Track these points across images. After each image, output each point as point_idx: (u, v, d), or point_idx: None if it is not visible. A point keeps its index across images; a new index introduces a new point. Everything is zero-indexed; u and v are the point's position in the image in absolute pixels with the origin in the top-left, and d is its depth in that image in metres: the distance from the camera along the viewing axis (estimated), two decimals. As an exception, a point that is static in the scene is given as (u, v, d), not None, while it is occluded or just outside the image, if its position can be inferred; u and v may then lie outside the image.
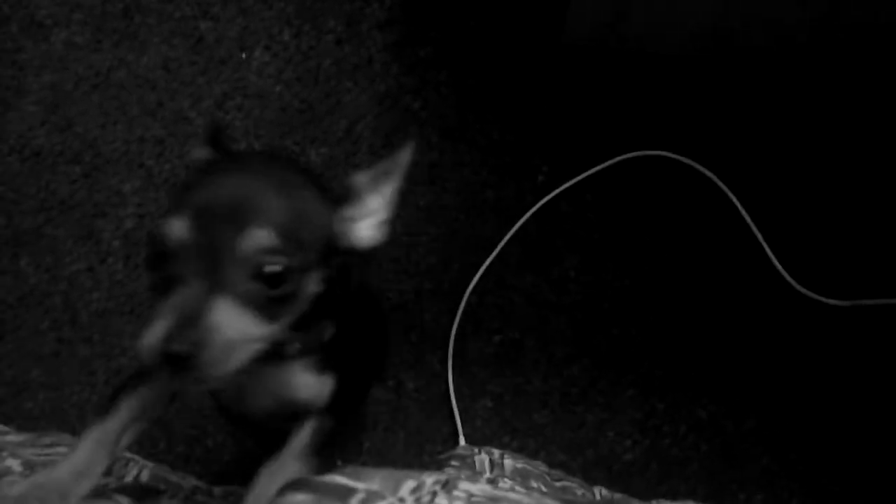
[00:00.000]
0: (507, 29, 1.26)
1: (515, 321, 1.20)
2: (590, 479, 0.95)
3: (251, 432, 0.70)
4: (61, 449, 0.78)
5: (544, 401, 1.17)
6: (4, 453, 0.68)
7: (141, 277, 1.17)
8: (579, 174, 1.21)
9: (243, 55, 1.24)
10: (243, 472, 0.59)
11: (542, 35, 1.24)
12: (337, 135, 1.24)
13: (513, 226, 1.20)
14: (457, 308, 1.18)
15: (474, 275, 1.19)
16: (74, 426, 1.15)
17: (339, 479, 0.55)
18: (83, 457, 0.53)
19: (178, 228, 0.45)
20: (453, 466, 0.89)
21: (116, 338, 1.15)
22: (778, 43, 1.20)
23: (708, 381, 1.17)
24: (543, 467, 0.94)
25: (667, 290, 1.20)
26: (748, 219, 1.21)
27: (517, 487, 0.77)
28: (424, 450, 1.18)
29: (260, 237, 0.45)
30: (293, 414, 0.61)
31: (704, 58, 1.24)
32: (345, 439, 1.09)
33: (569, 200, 1.21)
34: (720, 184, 1.22)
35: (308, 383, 0.58)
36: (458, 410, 1.16)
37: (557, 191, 1.19)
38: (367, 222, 0.55)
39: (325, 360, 0.58)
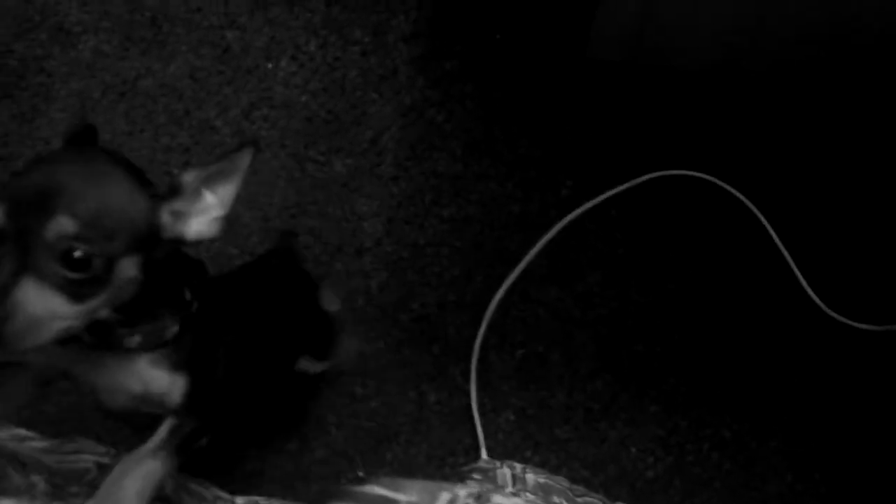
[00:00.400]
0: (532, 43, 1.30)
1: (539, 335, 1.22)
2: (612, 496, 0.98)
3: (125, 421, 0.74)
4: (85, 456, 0.81)
5: (567, 416, 1.20)
6: (29, 468, 0.71)
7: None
8: (605, 191, 1.24)
9: (270, 65, 1.28)
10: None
11: (567, 49, 1.28)
12: (362, 145, 1.27)
13: (538, 240, 1.23)
14: (480, 321, 1.21)
15: (498, 288, 1.21)
16: (98, 432, 1.18)
17: (378, 489, 0.58)
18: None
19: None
20: (475, 480, 0.91)
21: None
22: (808, 57, 1.23)
23: (732, 400, 1.19)
24: (565, 483, 0.96)
25: (692, 309, 1.23)
26: (777, 240, 1.23)
27: (539, 503, 0.79)
28: (446, 462, 1.21)
29: (64, 224, 0.51)
30: (153, 412, 0.65)
31: (730, 73, 1.27)
32: (224, 439, 1.08)
33: (593, 216, 1.24)
34: (749, 204, 1.24)
35: (156, 379, 0.62)
36: (481, 424, 1.18)
37: (583, 209, 1.22)
38: (199, 218, 0.59)
39: (176, 358, 0.62)
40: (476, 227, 1.25)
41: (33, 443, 0.87)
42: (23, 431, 0.89)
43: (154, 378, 0.61)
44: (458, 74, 1.28)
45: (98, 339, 0.59)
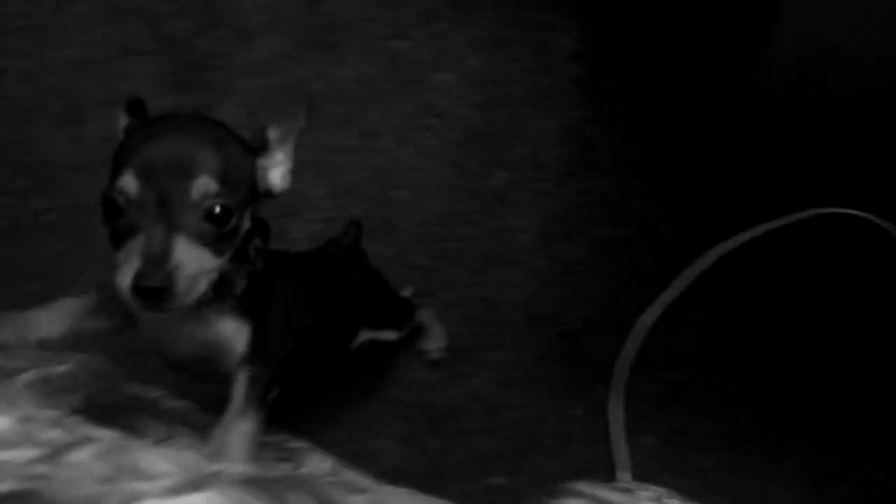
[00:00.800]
0: (696, 68, 1.36)
1: (685, 361, 1.28)
2: (751, 530, 1.02)
3: (194, 377, 0.78)
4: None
5: (708, 444, 1.24)
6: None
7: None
8: (760, 223, 1.29)
9: (435, 76, 1.38)
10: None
11: (733, 77, 1.34)
12: (520, 160, 1.35)
13: (690, 266, 1.29)
14: (627, 342, 1.27)
15: (647, 311, 1.27)
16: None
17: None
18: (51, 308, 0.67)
19: (131, 185, 0.57)
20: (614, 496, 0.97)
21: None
22: None
23: (885, 444, 1.22)
24: (704, 511, 1.01)
25: (844, 350, 1.25)
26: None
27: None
28: (582, 479, 1.27)
29: (207, 184, 0.57)
30: (219, 364, 0.69)
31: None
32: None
33: (749, 247, 1.29)
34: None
35: (222, 327, 0.67)
36: (621, 444, 1.24)
37: (739, 239, 1.27)
38: (277, 170, 0.67)
39: (241, 308, 0.68)
40: (628, 247, 1.31)
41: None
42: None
43: (220, 327, 0.67)
44: (619, 95, 1.35)
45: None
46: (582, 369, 1.26)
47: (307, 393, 1.22)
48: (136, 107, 0.66)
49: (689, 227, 1.31)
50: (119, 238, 0.58)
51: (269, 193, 0.67)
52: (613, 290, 1.29)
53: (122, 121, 0.65)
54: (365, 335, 1.08)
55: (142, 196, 0.57)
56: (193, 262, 0.57)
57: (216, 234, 0.58)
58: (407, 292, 1.26)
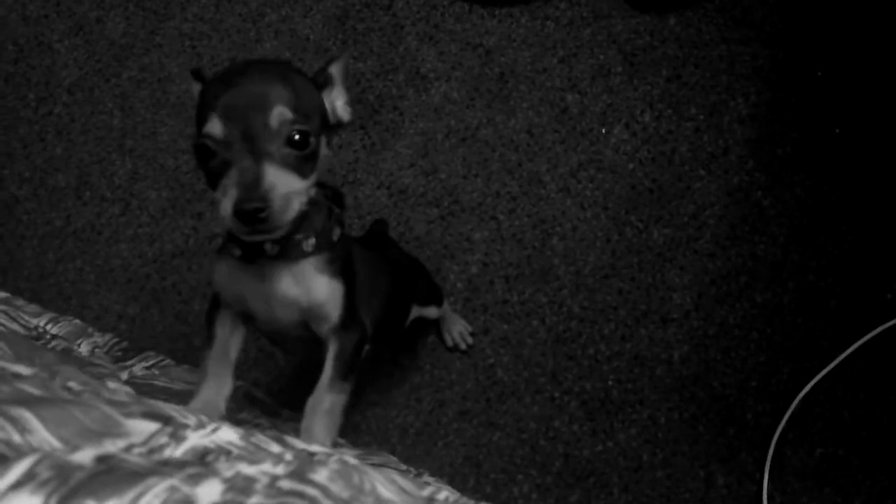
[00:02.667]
0: (872, 140, 1.60)
1: (841, 438, 1.49)
2: None
3: (287, 347, 1.00)
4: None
5: (860, 528, 1.45)
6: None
7: (475, 321, 1.62)
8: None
9: (603, 130, 1.67)
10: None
11: (913, 152, 1.56)
12: (682, 218, 1.62)
13: (853, 342, 1.51)
14: (781, 412, 1.50)
15: (806, 382, 1.50)
16: (395, 446, 1.61)
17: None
18: (214, 375, 0.86)
19: (217, 128, 0.72)
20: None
21: (446, 371, 1.59)
22: None
23: None
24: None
25: None
26: None
27: None
28: (724, 548, 1.51)
29: (283, 113, 0.72)
30: (314, 328, 0.86)
31: None
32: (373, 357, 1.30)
33: (918, 325, 1.50)
34: None
35: (319, 285, 0.83)
36: (767, 517, 1.47)
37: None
38: (339, 102, 0.83)
39: (335, 265, 0.85)
40: (789, 317, 1.55)
41: (344, 449, 1.27)
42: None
43: (318, 284, 0.83)
44: (791, 161, 1.60)
45: (282, 246, 0.80)
46: (730, 436, 1.51)
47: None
48: (200, 74, 0.84)
49: (854, 302, 1.54)
50: (214, 178, 0.73)
51: (338, 124, 0.83)
52: (771, 358, 1.53)
53: (195, 87, 0.82)
54: (415, 312, 1.32)
55: (228, 135, 0.71)
56: (283, 183, 0.72)
57: (298, 157, 0.74)
58: None
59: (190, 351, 1.55)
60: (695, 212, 1.54)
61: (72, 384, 0.78)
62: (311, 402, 0.85)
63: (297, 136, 0.74)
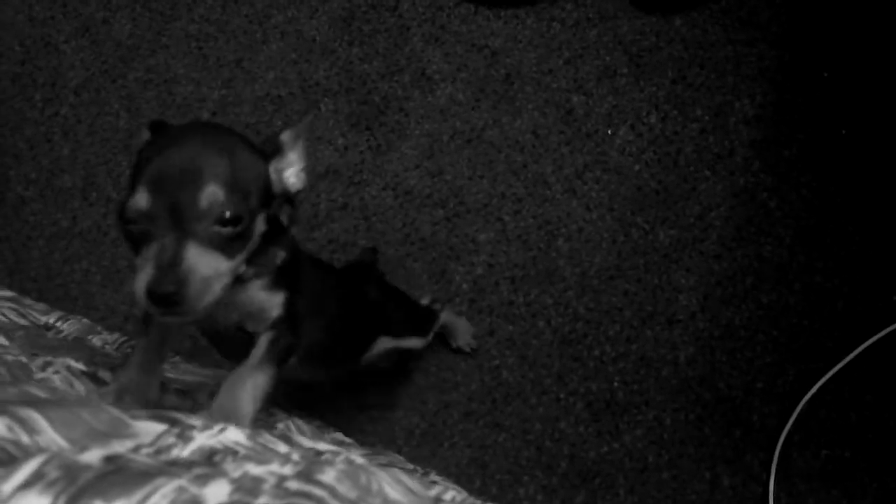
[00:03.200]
0: (879, 142, 1.60)
1: (848, 440, 1.49)
2: None
3: (223, 345, 0.97)
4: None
5: (866, 530, 1.45)
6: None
7: (481, 322, 1.62)
8: (941, 303, 1.50)
9: (609, 132, 1.67)
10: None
11: (920, 153, 1.56)
12: (688, 220, 1.62)
13: (860, 343, 1.50)
14: (787, 413, 1.50)
15: (812, 384, 1.50)
16: (400, 448, 1.61)
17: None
18: (143, 359, 0.84)
19: (143, 200, 0.67)
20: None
21: (451, 372, 1.59)
22: None
23: None
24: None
25: None
26: None
27: None
28: (727, 550, 1.50)
29: (215, 193, 0.68)
30: (251, 328, 0.85)
31: None
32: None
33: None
34: None
35: (262, 296, 0.81)
36: (772, 519, 1.46)
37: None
38: (291, 171, 0.79)
39: (277, 280, 0.83)
40: (795, 318, 1.54)
41: (354, 451, 1.28)
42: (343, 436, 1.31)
43: (259, 298, 0.82)
44: (797, 163, 1.60)
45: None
46: (736, 438, 1.51)
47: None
48: (159, 127, 0.80)
49: (860, 304, 1.53)
50: (136, 246, 0.69)
51: (286, 194, 0.80)
52: (777, 360, 1.53)
53: (145, 135, 0.78)
54: (388, 343, 1.31)
55: (153, 208, 0.67)
56: (205, 265, 0.68)
57: (226, 237, 0.69)
58: (426, 300, 1.51)
59: (197, 350, 1.55)
60: (700, 213, 1.54)
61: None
62: (231, 378, 0.80)
63: (227, 217, 0.70)
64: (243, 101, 1.72)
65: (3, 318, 1.23)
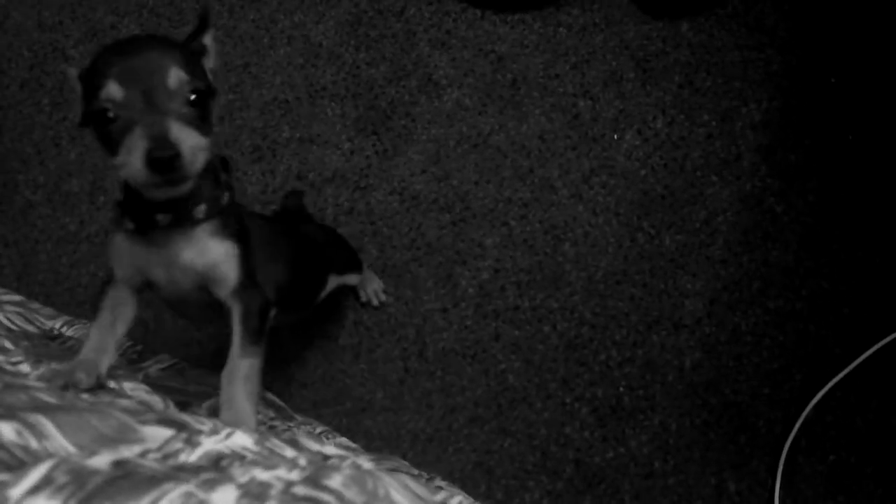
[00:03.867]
0: (886, 147, 1.60)
1: (854, 445, 1.48)
2: None
3: (189, 313, 1.01)
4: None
5: (873, 535, 1.44)
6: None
7: (486, 327, 1.62)
8: (948, 308, 1.49)
9: (615, 136, 1.68)
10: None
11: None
12: (694, 224, 1.62)
13: (867, 348, 1.50)
14: (793, 419, 1.50)
15: (818, 389, 1.49)
16: (406, 452, 1.62)
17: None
18: (96, 340, 0.87)
19: (116, 91, 0.74)
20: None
21: (457, 377, 1.59)
22: None
23: None
24: None
25: None
26: None
27: None
28: (735, 556, 1.50)
29: (179, 74, 0.75)
30: (215, 292, 0.88)
31: None
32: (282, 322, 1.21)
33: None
34: None
35: (214, 248, 0.85)
36: (779, 524, 1.46)
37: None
38: (211, 68, 0.86)
39: (228, 228, 0.87)
40: (802, 323, 1.54)
41: (362, 457, 1.29)
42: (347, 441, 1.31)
43: (211, 246, 0.86)
44: (804, 168, 1.60)
45: (173, 216, 0.84)
46: (742, 443, 1.51)
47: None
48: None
49: (867, 309, 1.53)
50: (114, 142, 0.75)
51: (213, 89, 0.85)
52: (784, 365, 1.53)
53: (71, 73, 0.83)
54: (335, 281, 1.36)
55: (127, 97, 0.74)
56: (188, 136, 0.75)
57: (196, 115, 0.77)
58: None
59: (204, 356, 1.55)
60: (707, 218, 1.54)
61: (85, 395, 0.78)
62: (225, 372, 0.86)
63: (193, 97, 0.77)
64: (250, 105, 1.73)
65: (11, 326, 1.23)
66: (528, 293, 1.56)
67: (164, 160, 0.73)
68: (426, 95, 1.68)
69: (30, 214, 1.67)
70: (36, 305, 1.46)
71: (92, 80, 0.78)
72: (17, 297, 1.43)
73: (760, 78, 1.61)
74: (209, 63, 0.87)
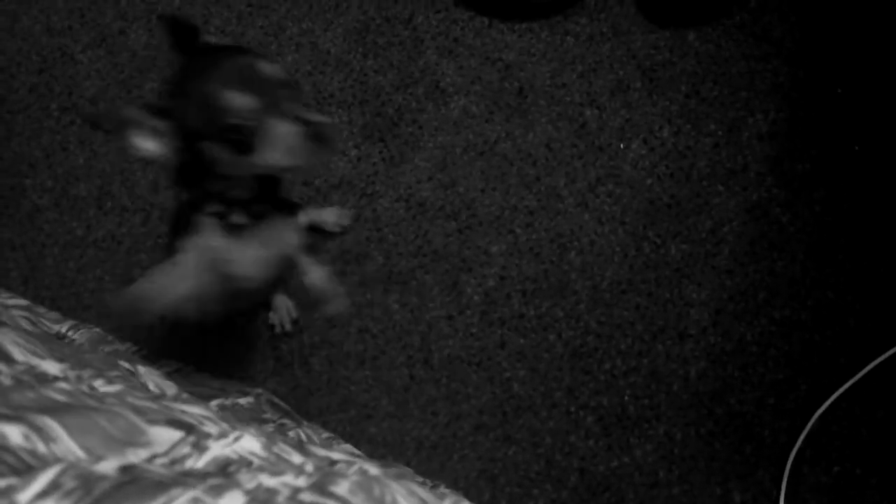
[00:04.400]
0: (892, 158, 1.59)
1: (859, 456, 1.48)
2: None
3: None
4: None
5: (878, 547, 1.44)
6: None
7: (492, 335, 1.62)
8: (954, 320, 1.49)
9: (622, 145, 1.67)
10: None
11: (934, 170, 1.56)
12: (700, 234, 1.62)
13: (872, 359, 1.50)
14: (798, 429, 1.49)
15: (823, 399, 1.49)
16: (410, 459, 1.61)
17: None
18: (189, 262, 0.99)
19: (243, 99, 0.85)
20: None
21: (462, 384, 1.59)
22: None
23: None
24: None
25: None
26: None
27: None
28: (738, 567, 1.49)
29: (291, 95, 0.88)
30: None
31: None
32: None
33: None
34: None
35: (292, 236, 1.07)
36: (783, 535, 1.46)
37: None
38: None
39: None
40: (807, 334, 1.54)
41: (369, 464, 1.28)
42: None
43: (292, 236, 1.07)
44: (810, 178, 1.59)
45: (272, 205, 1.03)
46: (747, 453, 1.50)
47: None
48: (185, 43, 0.99)
49: (873, 320, 1.53)
50: (245, 146, 0.87)
51: None
52: (789, 375, 1.52)
53: (142, 112, 0.93)
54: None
55: (257, 102, 0.85)
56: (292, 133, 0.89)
57: (304, 121, 0.88)
58: None
59: (208, 360, 1.55)
60: (713, 227, 1.54)
61: (98, 383, 0.78)
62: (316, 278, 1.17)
63: (304, 117, 0.90)
64: (258, 111, 1.72)
65: (28, 327, 1.23)
66: (534, 301, 1.55)
67: (328, 125, 0.89)
68: (433, 103, 1.68)
69: (37, 218, 1.67)
70: (42, 310, 1.46)
71: (203, 98, 0.86)
72: (23, 302, 1.43)
73: (767, 88, 1.61)
74: None
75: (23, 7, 1.82)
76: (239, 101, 0.85)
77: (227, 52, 0.91)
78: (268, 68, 0.88)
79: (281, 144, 0.87)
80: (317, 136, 0.88)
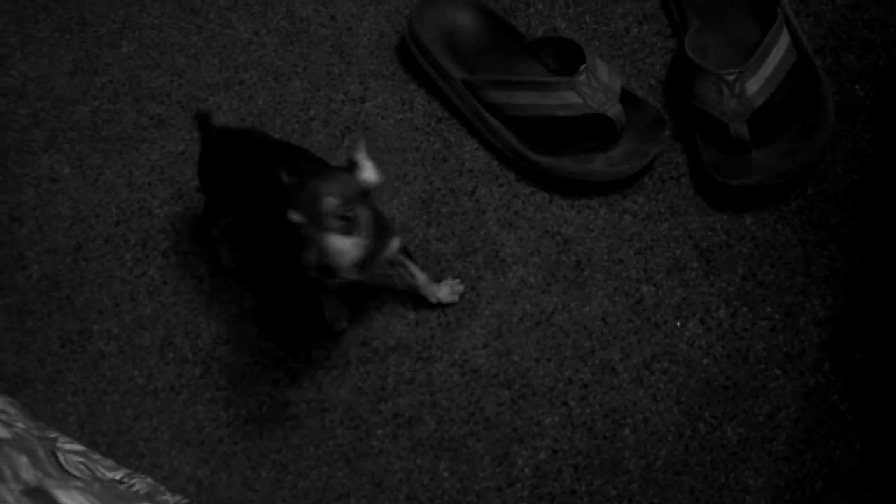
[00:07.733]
0: (955, 351, 1.61)
1: None
2: None
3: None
4: None
5: None
6: None
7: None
8: None
9: (678, 324, 1.72)
10: None
11: None
12: (757, 418, 1.62)
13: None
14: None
15: None
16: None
17: None
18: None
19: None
20: None
21: (509, 561, 1.58)
22: None
23: None
24: None
25: None
26: None
27: None
28: None
29: (331, 200, 1.20)
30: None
31: None
32: None
33: None
34: None
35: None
36: None
37: None
38: (368, 172, 1.29)
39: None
40: (868, 529, 1.52)
41: None
42: None
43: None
44: (868, 367, 1.61)
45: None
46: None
47: None
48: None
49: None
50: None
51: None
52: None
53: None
54: None
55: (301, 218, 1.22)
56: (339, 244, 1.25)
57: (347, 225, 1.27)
58: None
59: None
60: (770, 412, 1.55)
61: None
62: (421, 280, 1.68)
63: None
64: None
65: (77, 473, 1.28)
66: (586, 478, 1.57)
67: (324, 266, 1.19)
68: (492, 271, 1.75)
69: (101, 365, 1.75)
70: (97, 456, 1.51)
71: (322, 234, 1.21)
72: (79, 447, 1.49)
73: (824, 274, 1.66)
74: (363, 174, 1.28)
75: (108, 162, 1.97)
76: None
77: (319, 175, 1.30)
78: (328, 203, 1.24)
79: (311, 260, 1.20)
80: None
